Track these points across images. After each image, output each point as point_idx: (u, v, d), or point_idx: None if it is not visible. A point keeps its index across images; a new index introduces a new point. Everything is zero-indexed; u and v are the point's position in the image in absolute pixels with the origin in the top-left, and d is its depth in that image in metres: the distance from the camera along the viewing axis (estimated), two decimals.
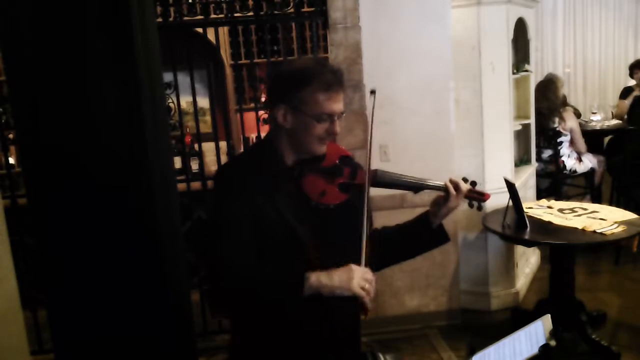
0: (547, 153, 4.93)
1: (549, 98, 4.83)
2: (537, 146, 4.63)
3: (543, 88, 4.88)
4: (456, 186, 1.64)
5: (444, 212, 1.68)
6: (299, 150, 1.58)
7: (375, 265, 1.68)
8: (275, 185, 1.53)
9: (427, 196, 1.77)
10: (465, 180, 1.69)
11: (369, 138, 1.67)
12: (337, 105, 1.54)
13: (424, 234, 1.72)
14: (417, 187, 1.69)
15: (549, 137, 4.89)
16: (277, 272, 1.48)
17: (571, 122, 4.91)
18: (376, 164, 3.61)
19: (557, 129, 4.85)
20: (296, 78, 1.53)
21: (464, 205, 1.70)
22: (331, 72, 1.54)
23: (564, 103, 5.26)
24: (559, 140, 4.88)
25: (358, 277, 1.43)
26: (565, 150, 4.93)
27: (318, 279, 1.43)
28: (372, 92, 1.70)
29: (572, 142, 4.96)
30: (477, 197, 1.70)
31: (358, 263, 1.48)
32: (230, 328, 1.67)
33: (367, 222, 1.52)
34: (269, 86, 1.63)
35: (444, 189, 1.65)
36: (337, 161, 1.62)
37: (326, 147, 1.59)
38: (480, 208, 1.74)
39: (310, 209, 1.55)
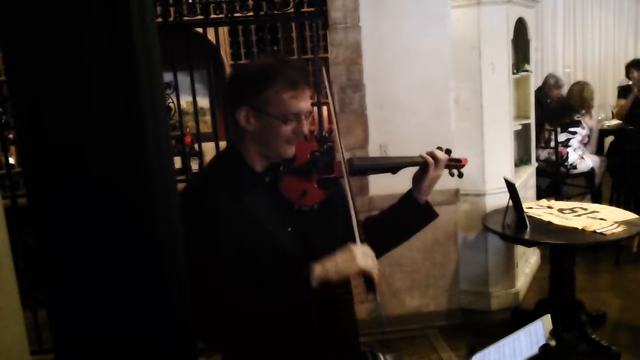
0: (560, 138, 5.05)
1: (584, 97, 5.10)
2: (538, 141, 4.75)
3: (580, 89, 5.18)
4: (433, 156, 1.62)
5: (426, 185, 1.64)
6: (268, 154, 1.49)
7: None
8: (250, 197, 1.44)
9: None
10: (440, 149, 1.67)
11: (334, 120, 1.62)
12: (305, 104, 1.45)
13: (412, 213, 1.68)
14: (394, 166, 1.66)
15: (566, 124, 5.06)
16: (280, 280, 1.41)
17: (594, 121, 5.18)
18: None
19: (579, 119, 5.06)
20: (258, 77, 1.43)
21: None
22: (295, 69, 1.45)
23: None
24: (573, 129, 5.05)
25: (360, 253, 1.38)
26: (574, 143, 5.06)
27: (323, 266, 1.38)
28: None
29: (582, 142, 5.11)
30: (455, 164, 1.68)
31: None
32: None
33: (354, 207, 1.45)
34: (227, 87, 1.51)
35: (422, 162, 1.63)
36: (309, 157, 1.53)
37: (295, 148, 1.50)
38: (460, 175, 1.70)
39: (292, 213, 1.47)
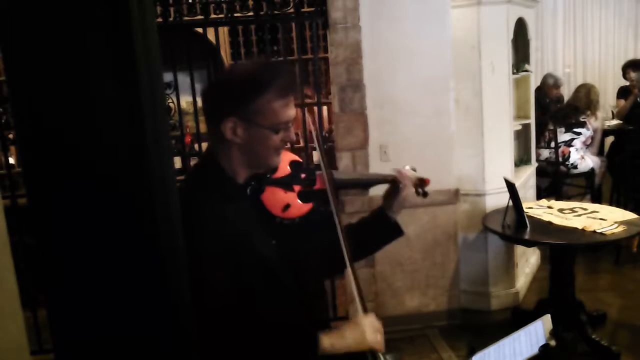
0: (560, 138, 5.07)
1: (591, 99, 5.16)
2: (538, 141, 4.76)
3: (587, 91, 5.23)
4: (403, 175, 1.61)
5: (399, 203, 1.62)
6: (254, 165, 1.43)
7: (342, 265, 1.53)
8: (233, 210, 1.38)
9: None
10: (411, 169, 1.67)
11: (317, 138, 1.56)
12: (293, 111, 1.40)
13: (382, 229, 1.67)
14: (366, 183, 1.70)
15: (571, 124, 5.10)
16: (286, 340, 1.40)
17: (599, 123, 5.22)
18: (376, 164, 3.63)
19: (584, 120, 5.10)
20: (248, 85, 1.35)
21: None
22: (286, 75, 1.39)
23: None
24: (578, 130, 5.08)
25: (370, 331, 1.38)
26: (577, 143, 5.09)
27: (332, 344, 1.37)
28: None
29: (585, 143, 5.15)
30: (420, 183, 1.67)
31: (334, 276, 1.41)
32: None
33: (344, 238, 1.41)
34: (210, 96, 1.43)
35: (394, 180, 1.62)
36: (289, 169, 1.48)
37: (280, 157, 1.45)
38: (425, 194, 1.69)
39: (275, 225, 1.43)
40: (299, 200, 1.44)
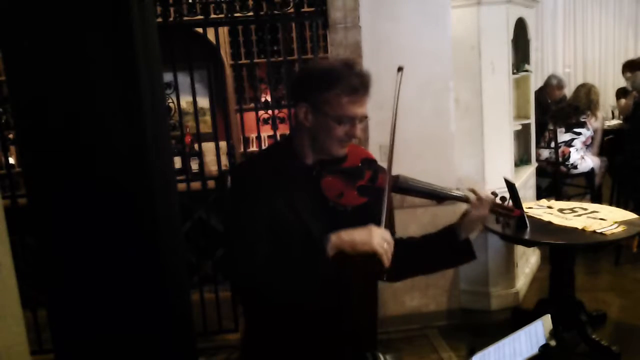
0: (561, 139, 5.08)
1: (591, 99, 5.15)
2: (539, 141, 4.77)
3: (587, 91, 5.22)
4: (477, 195, 1.63)
5: (468, 224, 1.64)
6: (319, 150, 1.57)
7: (395, 273, 1.58)
8: (292, 185, 1.53)
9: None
10: (495, 194, 1.66)
11: (391, 133, 1.66)
12: (361, 109, 1.56)
13: (448, 246, 1.67)
14: (439, 196, 1.66)
15: (571, 124, 5.10)
16: (297, 254, 1.49)
17: (599, 123, 5.23)
18: None
19: (584, 120, 5.10)
20: (321, 78, 1.52)
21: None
22: (358, 76, 1.54)
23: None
24: (578, 130, 5.08)
25: (378, 236, 1.44)
26: (577, 143, 5.09)
27: (339, 236, 1.45)
28: (400, 69, 1.70)
29: (585, 143, 5.15)
30: (503, 212, 1.66)
31: None
32: (238, 327, 1.67)
33: (387, 216, 1.50)
34: (293, 83, 1.64)
35: (466, 199, 1.63)
36: (359, 163, 1.61)
37: (347, 149, 1.58)
38: (507, 225, 1.70)
39: (327, 209, 1.54)
40: (356, 192, 1.55)
